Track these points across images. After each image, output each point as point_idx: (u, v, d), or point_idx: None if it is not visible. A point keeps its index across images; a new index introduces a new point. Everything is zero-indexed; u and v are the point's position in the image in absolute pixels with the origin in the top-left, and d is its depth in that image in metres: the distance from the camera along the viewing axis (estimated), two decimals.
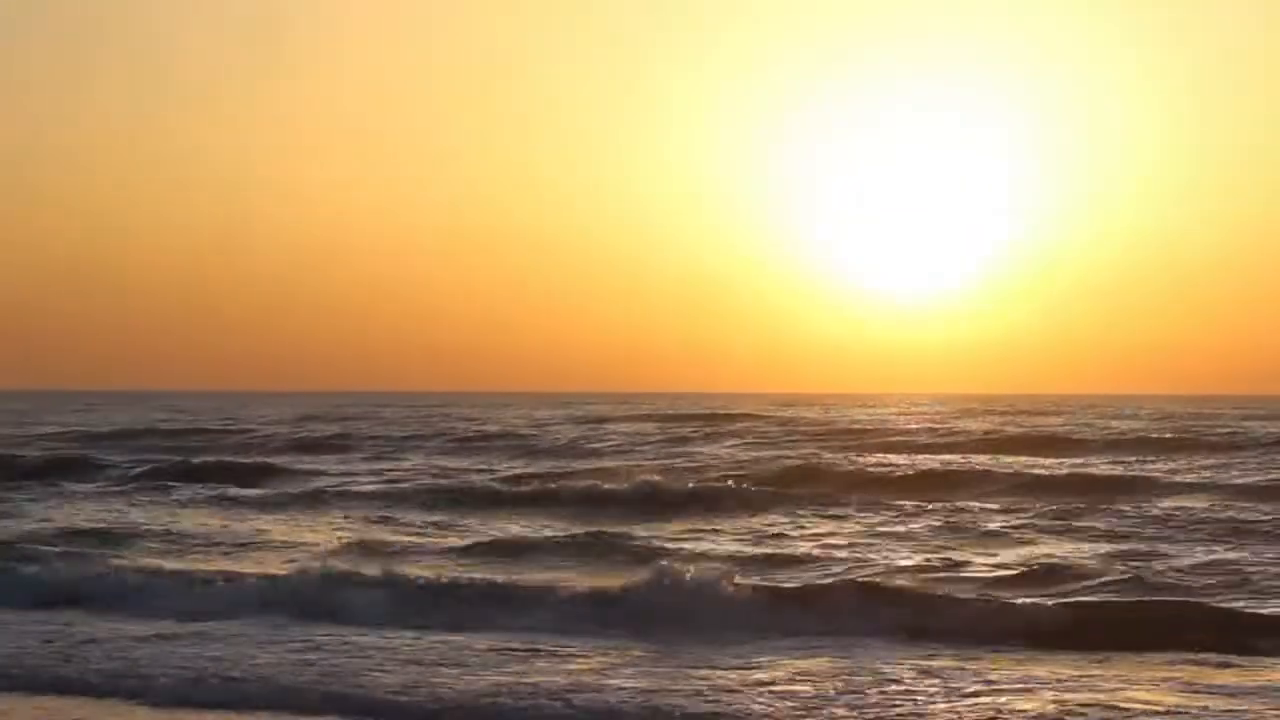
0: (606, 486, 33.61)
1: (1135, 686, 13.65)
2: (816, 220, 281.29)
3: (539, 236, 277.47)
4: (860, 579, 19.41)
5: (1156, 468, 42.20)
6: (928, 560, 22.05)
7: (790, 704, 13.01)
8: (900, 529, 26.64)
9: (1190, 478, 37.73)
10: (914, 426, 68.00)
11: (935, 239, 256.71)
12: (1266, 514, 27.80)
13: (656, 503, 31.00)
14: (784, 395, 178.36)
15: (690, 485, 33.17)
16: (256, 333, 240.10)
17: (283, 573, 20.73)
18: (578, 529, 26.54)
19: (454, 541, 25.39)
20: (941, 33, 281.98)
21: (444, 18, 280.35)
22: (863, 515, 28.70)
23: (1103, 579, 19.82)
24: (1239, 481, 36.59)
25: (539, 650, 15.57)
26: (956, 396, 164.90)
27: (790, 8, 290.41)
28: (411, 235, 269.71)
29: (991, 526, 26.58)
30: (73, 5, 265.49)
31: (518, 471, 42.08)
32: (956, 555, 22.68)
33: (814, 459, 44.30)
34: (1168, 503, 30.64)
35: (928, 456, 46.84)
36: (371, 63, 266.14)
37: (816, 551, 23.47)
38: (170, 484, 36.90)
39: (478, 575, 20.82)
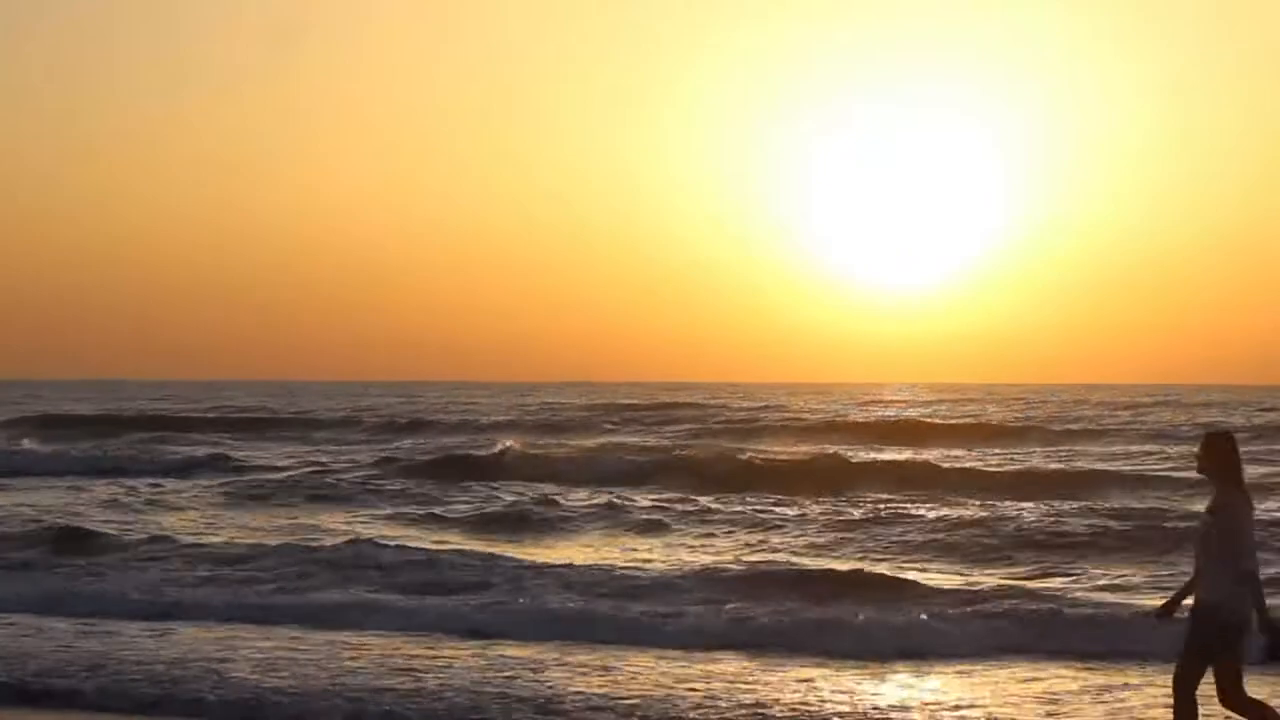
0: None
1: None
2: (816, 219, 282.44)
3: (543, 230, 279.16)
4: None
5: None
6: None
7: None
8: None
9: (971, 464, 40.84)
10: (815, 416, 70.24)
11: (933, 235, 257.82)
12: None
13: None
14: (785, 385, 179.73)
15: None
16: (269, 324, 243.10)
17: None
18: None
19: None
20: (936, 32, 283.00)
21: (450, 19, 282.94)
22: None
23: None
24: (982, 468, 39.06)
25: None
26: (949, 386, 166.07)
27: (788, 6, 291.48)
28: (416, 229, 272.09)
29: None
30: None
31: None
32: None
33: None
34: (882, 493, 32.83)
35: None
36: (383, 61, 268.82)
37: None
38: None
39: None
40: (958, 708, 13.65)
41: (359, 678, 14.80)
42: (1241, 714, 10.25)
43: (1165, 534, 23.82)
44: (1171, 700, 10.27)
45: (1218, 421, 60.78)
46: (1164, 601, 10.61)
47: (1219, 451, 10.26)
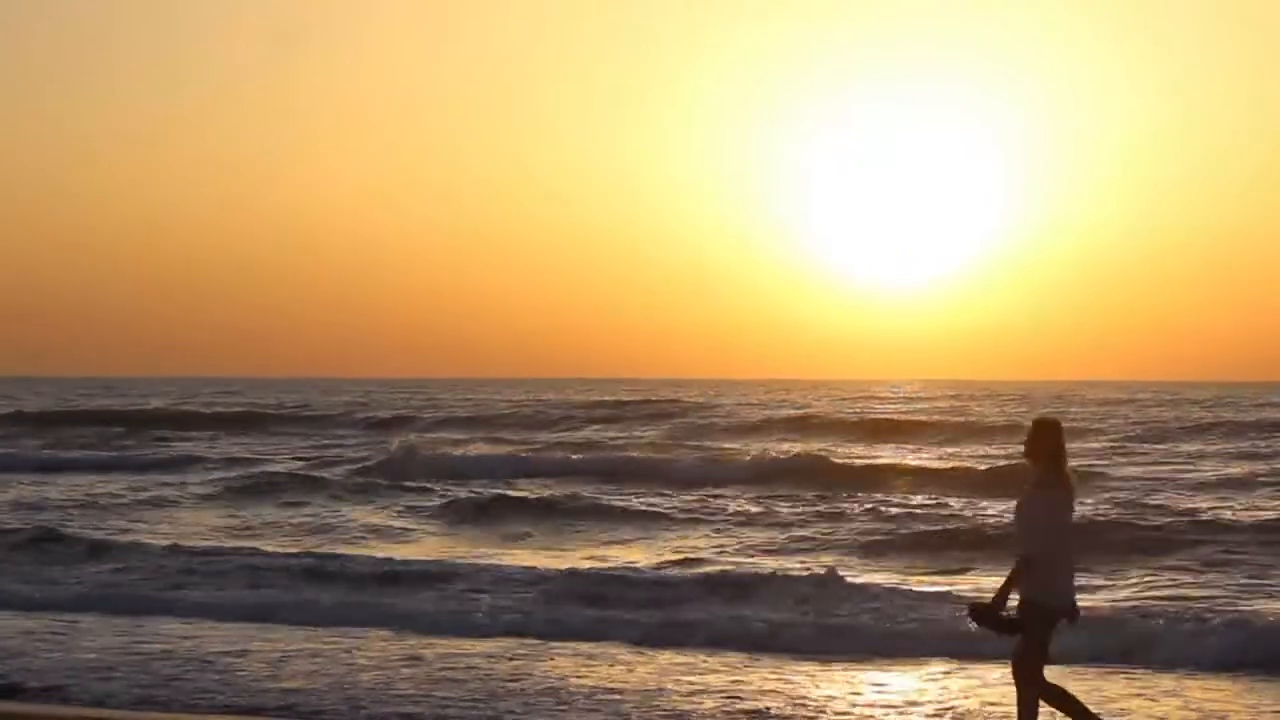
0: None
1: None
2: (816, 218, 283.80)
3: (545, 229, 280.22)
4: None
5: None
6: None
7: None
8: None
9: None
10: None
11: (932, 234, 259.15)
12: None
13: None
14: (784, 381, 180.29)
15: None
16: (279, 320, 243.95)
17: None
18: None
19: None
20: (935, 33, 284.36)
21: (451, 19, 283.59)
22: None
23: None
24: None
25: None
26: (947, 383, 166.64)
27: (788, 6, 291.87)
28: (417, 228, 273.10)
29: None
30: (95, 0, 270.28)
31: None
32: None
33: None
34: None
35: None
36: (385, 62, 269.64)
37: None
38: None
39: None
40: (938, 703, 13.89)
41: (363, 676, 15.02)
42: (1026, 692, 10.36)
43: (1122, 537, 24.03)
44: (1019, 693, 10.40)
45: (1209, 416, 61.08)
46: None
47: (1043, 439, 10.31)
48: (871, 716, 13.48)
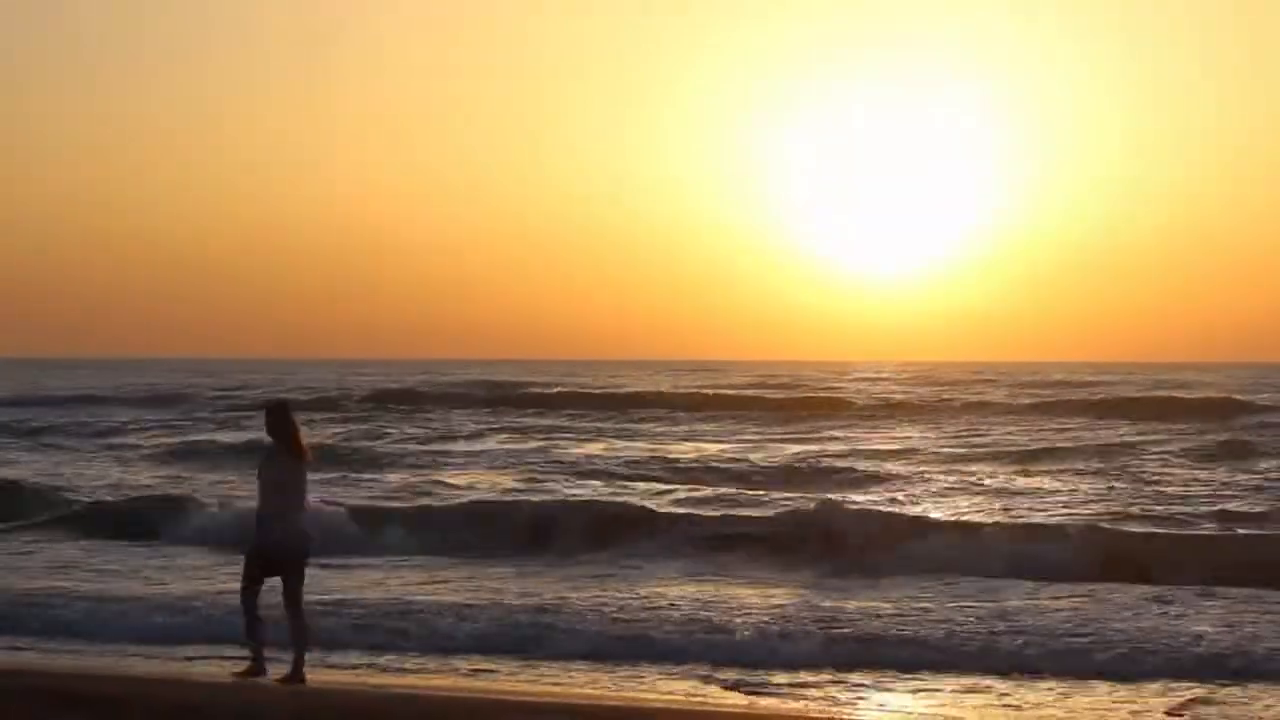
0: None
1: None
2: (809, 208, 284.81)
3: (550, 221, 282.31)
4: None
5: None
6: None
7: None
8: None
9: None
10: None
11: (917, 225, 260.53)
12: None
13: None
14: (768, 363, 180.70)
15: None
16: (302, 307, 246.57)
17: None
18: None
19: None
20: (926, 35, 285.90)
21: (464, 31, 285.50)
22: None
23: None
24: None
25: None
26: (922, 364, 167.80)
27: (787, 5, 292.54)
28: (431, 220, 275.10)
29: None
30: (123, 6, 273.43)
31: None
32: None
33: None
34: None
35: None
36: (401, 68, 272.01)
37: None
38: None
39: None
40: None
41: None
42: (294, 619, 12.79)
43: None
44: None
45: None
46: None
47: (274, 419, 12.75)
48: None
